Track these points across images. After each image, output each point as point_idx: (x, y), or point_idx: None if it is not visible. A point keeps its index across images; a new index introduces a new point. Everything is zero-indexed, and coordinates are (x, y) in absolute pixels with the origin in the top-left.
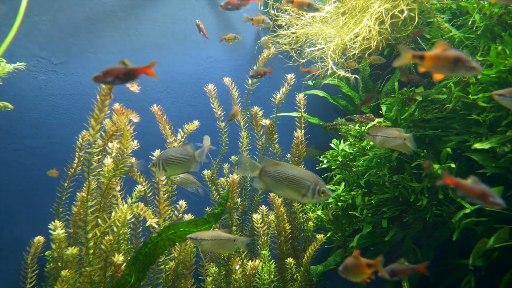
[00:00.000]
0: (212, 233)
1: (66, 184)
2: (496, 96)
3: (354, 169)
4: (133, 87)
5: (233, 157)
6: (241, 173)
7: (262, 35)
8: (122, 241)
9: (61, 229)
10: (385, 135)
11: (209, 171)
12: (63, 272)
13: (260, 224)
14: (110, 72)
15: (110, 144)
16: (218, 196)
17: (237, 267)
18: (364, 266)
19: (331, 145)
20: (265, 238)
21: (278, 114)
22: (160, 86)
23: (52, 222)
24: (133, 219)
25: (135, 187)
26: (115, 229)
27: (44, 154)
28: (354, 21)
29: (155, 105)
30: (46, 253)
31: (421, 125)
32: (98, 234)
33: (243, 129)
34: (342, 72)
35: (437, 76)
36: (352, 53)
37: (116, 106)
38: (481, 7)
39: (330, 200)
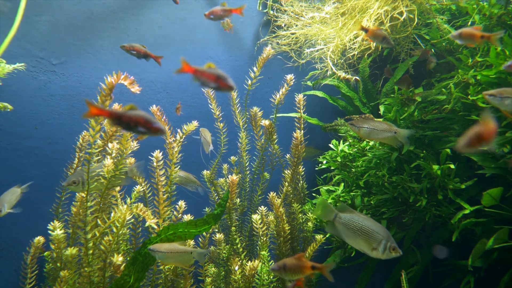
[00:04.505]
0: (168, 246)
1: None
2: (486, 96)
3: (353, 170)
4: (134, 87)
5: (232, 157)
6: (316, 215)
7: (261, 36)
8: (121, 242)
9: (60, 230)
10: (371, 127)
11: (208, 171)
12: (62, 273)
13: (260, 224)
14: None
15: (110, 145)
16: (217, 197)
17: (236, 268)
18: (308, 267)
19: (331, 145)
20: (264, 238)
21: (277, 115)
22: (159, 86)
23: (51, 223)
24: (132, 220)
25: (134, 188)
26: (114, 229)
27: (43, 154)
28: (353, 21)
29: (154, 105)
30: (45, 253)
31: (420, 125)
32: (98, 234)
33: (242, 130)
34: (342, 74)
35: None
36: (352, 54)
37: (116, 106)
38: (481, 8)
39: (330, 200)
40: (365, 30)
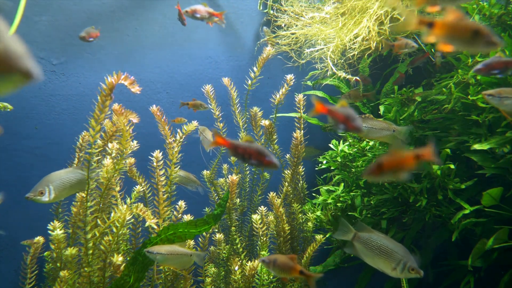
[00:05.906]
0: (168, 248)
1: None
2: (486, 96)
3: (353, 170)
4: (134, 87)
5: (232, 157)
6: (335, 236)
7: (262, 36)
8: (121, 242)
9: (60, 230)
10: (370, 125)
11: (208, 171)
12: (62, 273)
13: (259, 224)
14: None
15: (110, 145)
16: (217, 197)
17: (236, 268)
18: (296, 270)
19: (331, 145)
20: (264, 238)
21: (277, 115)
22: (159, 86)
23: (51, 223)
24: (132, 220)
25: (134, 188)
26: (114, 229)
27: (43, 154)
28: (353, 22)
29: (154, 105)
30: (45, 253)
31: (420, 125)
32: (98, 234)
33: (242, 130)
34: (343, 74)
35: (445, 48)
36: (352, 54)
37: (116, 106)
38: (481, 8)
39: (329, 200)
40: (393, 46)
